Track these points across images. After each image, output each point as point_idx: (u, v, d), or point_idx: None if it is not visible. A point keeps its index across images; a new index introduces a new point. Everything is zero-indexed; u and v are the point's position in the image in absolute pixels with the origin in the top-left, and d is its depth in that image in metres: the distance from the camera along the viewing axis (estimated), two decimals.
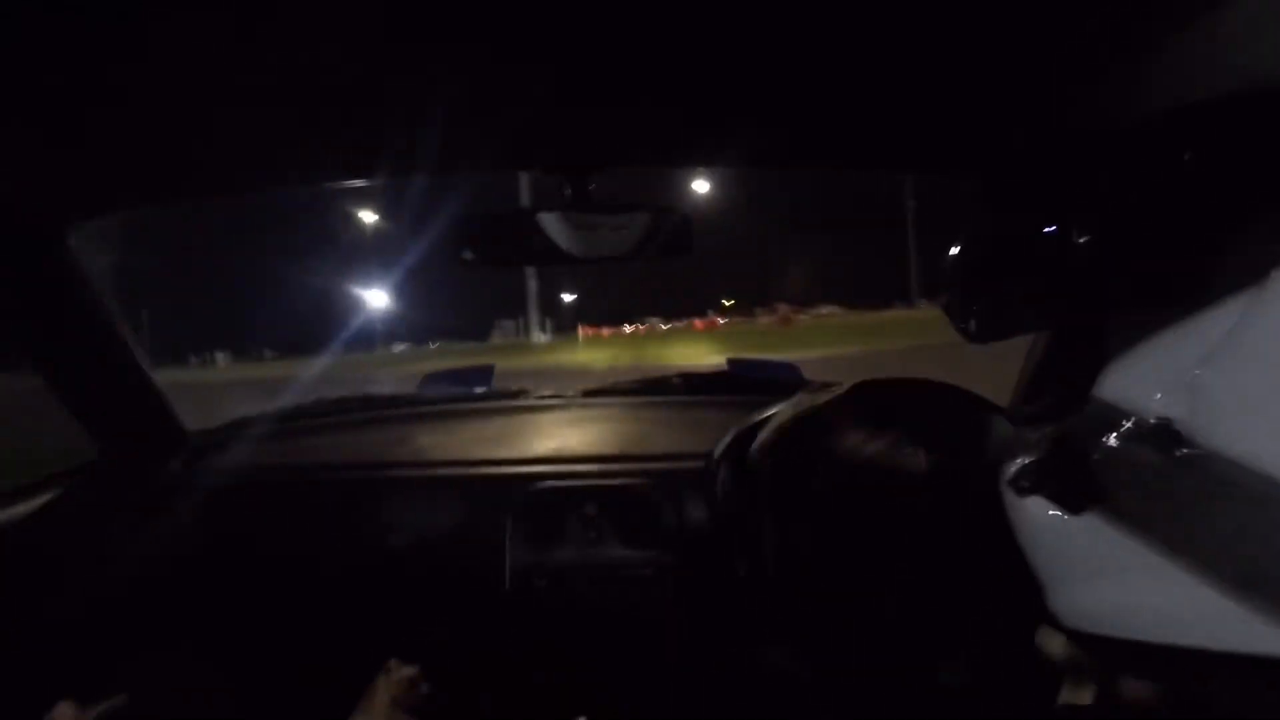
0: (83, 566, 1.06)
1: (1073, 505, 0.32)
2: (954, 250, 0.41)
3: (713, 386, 1.43)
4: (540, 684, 1.12)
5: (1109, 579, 0.30)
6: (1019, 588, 0.38)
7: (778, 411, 1.03)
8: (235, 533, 1.15)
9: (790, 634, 0.96)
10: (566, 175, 0.93)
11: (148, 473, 1.19)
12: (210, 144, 0.84)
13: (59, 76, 0.62)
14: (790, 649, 0.95)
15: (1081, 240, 0.30)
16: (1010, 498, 0.39)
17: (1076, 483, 0.32)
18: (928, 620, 0.70)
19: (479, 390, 1.62)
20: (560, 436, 1.25)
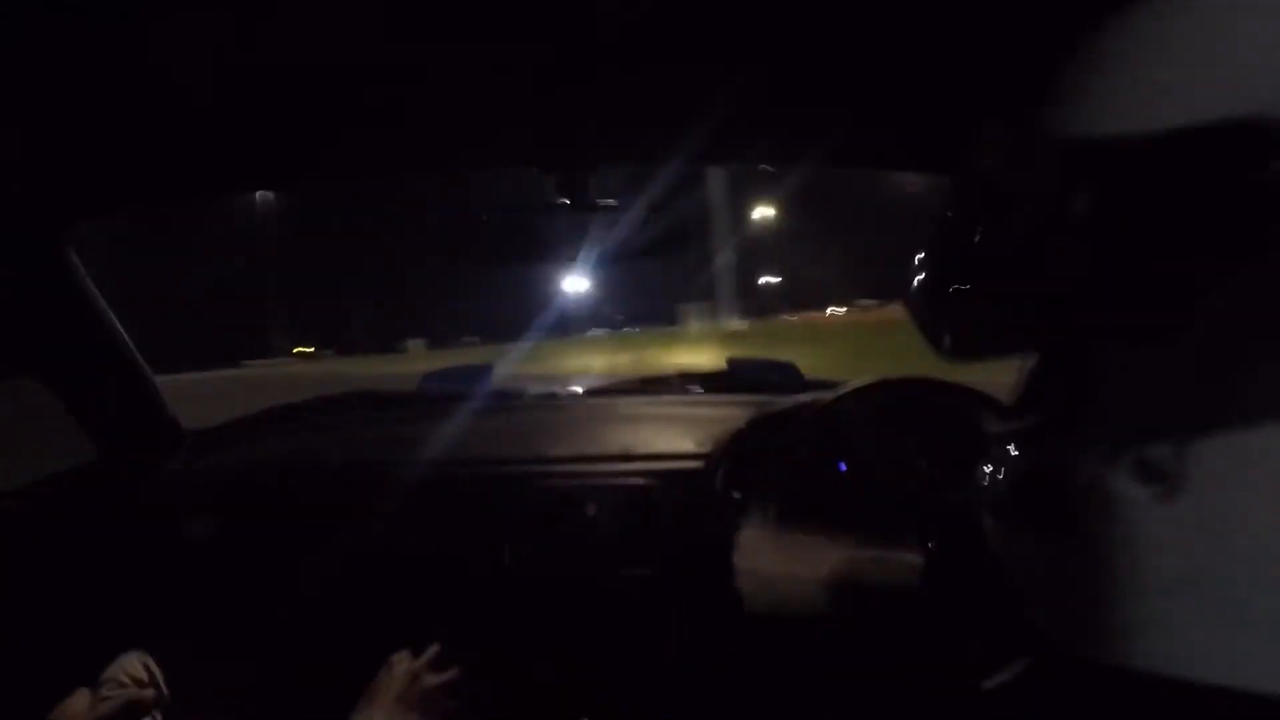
0: (83, 566, 1.06)
1: (1044, 534, 0.32)
2: (923, 253, 0.37)
3: (713, 386, 1.43)
4: (541, 684, 1.12)
5: (1079, 604, 0.31)
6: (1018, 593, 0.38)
7: (778, 411, 1.03)
8: (234, 531, 1.15)
9: (789, 634, 0.96)
10: (565, 174, 0.94)
11: (147, 472, 1.19)
12: (207, 145, 0.83)
13: (59, 76, 0.62)
14: (789, 649, 0.95)
15: (1071, 255, 0.28)
16: (990, 517, 0.39)
17: (1050, 512, 0.31)
18: (928, 620, 0.70)
19: (478, 389, 1.61)
20: (560, 436, 1.25)
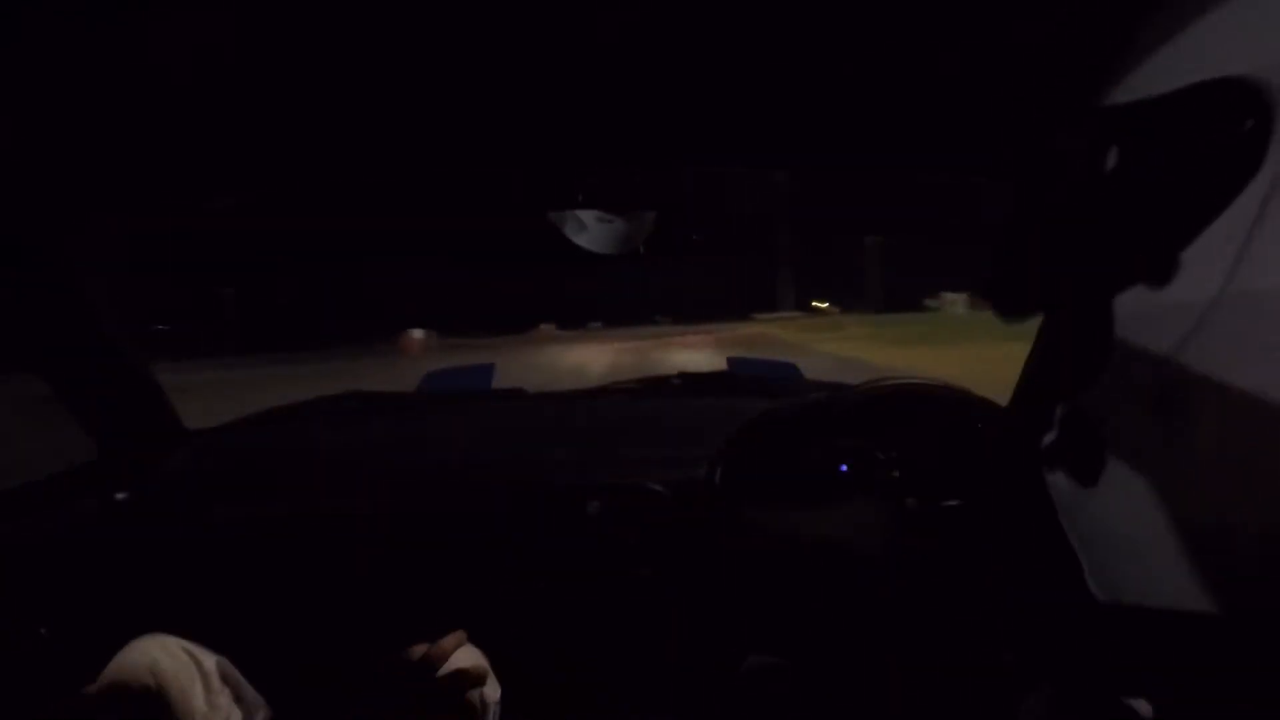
0: (83, 566, 1.06)
1: (1088, 477, 0.36)
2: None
3: (713, 387, 1.43)
4: (540, 684, 1.12)
5: (1128, 548, 0.34)
6: (1018, 588, 0.39)
7: (779, 412, 1.03)
8: (235, 530, 1.15)
9: (786, 634, 0.96)
10: (569, 173, 0.94)
11: (147, 472, 1.19)
12: (208, 145, 0.83)
13: (59, 76, 0.62)
14: (785, 650, 0.95)
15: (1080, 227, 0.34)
16: (1046, 481, 0.43)
17: (1090, 455, 0.35)
18: (924, 620, 0.70)
19: (478, 389, 1.61)
20: (560, 436, 1.25)
